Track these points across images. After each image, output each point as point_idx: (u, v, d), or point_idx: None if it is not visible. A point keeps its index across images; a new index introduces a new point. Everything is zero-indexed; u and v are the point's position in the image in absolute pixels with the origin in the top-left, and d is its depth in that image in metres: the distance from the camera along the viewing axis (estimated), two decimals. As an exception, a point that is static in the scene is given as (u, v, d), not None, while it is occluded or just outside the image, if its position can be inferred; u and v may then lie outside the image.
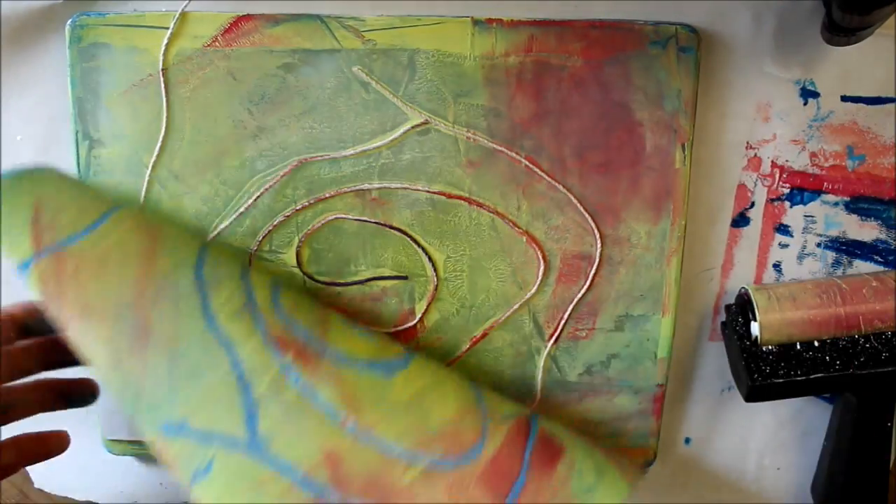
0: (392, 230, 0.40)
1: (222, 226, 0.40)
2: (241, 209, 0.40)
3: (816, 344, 0.38)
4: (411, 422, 0.35)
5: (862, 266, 0.41)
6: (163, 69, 0.39)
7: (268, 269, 0.40)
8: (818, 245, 0.41)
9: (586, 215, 0.39)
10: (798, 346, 0.38)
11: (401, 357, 0.37)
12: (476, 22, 0.38)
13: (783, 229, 0.41)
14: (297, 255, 0.40)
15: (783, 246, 0.41)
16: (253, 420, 0.33)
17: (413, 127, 0.39)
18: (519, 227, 0.40)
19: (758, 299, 0.39)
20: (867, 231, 0.41)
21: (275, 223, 0.40)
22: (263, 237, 0.40)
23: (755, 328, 0.38)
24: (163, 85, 0.39)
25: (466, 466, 0.34)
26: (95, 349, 0.33)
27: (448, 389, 0.37)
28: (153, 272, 0.34)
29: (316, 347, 0.35)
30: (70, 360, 0.35)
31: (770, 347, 0.38)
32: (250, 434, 0.33)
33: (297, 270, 0.41)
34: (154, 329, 0.33)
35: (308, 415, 0.34)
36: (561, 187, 0.39)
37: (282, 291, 0.37)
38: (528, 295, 0.40)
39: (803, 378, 0.38)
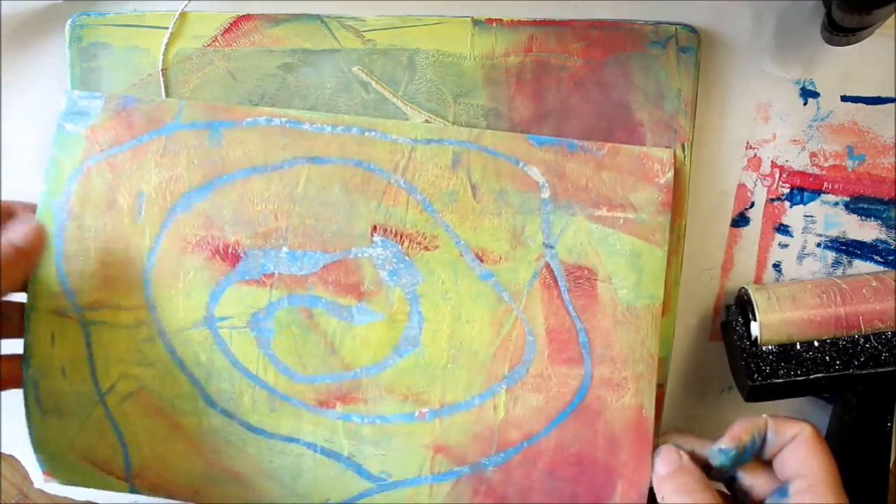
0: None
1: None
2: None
3: (816, 344, 0.38)
4: (462, 376, 0.37)
5: (862, 266, 0.41)
6: (163, 69, 0.39)
7: None
8: (818, 245, 0.41)
9: (586, 215, 0.39)
10: (798, 346, 0.38)
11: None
12: (476, 22, 0.38)
13: (783, 229, 0.41)
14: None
15: (783, 246, 0.41)
16: None
17: (413, 127, 0.39)
18: (519, 227, 0.40)
19: (758, 299, 0.39)
20: (867, 231, 0.41)
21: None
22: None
23: (755, 328, 0.38)
24: (163, 85, 0.39)
25: (531, 365, 0.36)
26: None
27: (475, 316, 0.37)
28: None
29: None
30: None
31: (770, 347, 0.38)
32: None
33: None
34: None
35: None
36: (561, 187, 0.39)
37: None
38: (528, 295, 0.40)
39: (803, 378, 0.38)
